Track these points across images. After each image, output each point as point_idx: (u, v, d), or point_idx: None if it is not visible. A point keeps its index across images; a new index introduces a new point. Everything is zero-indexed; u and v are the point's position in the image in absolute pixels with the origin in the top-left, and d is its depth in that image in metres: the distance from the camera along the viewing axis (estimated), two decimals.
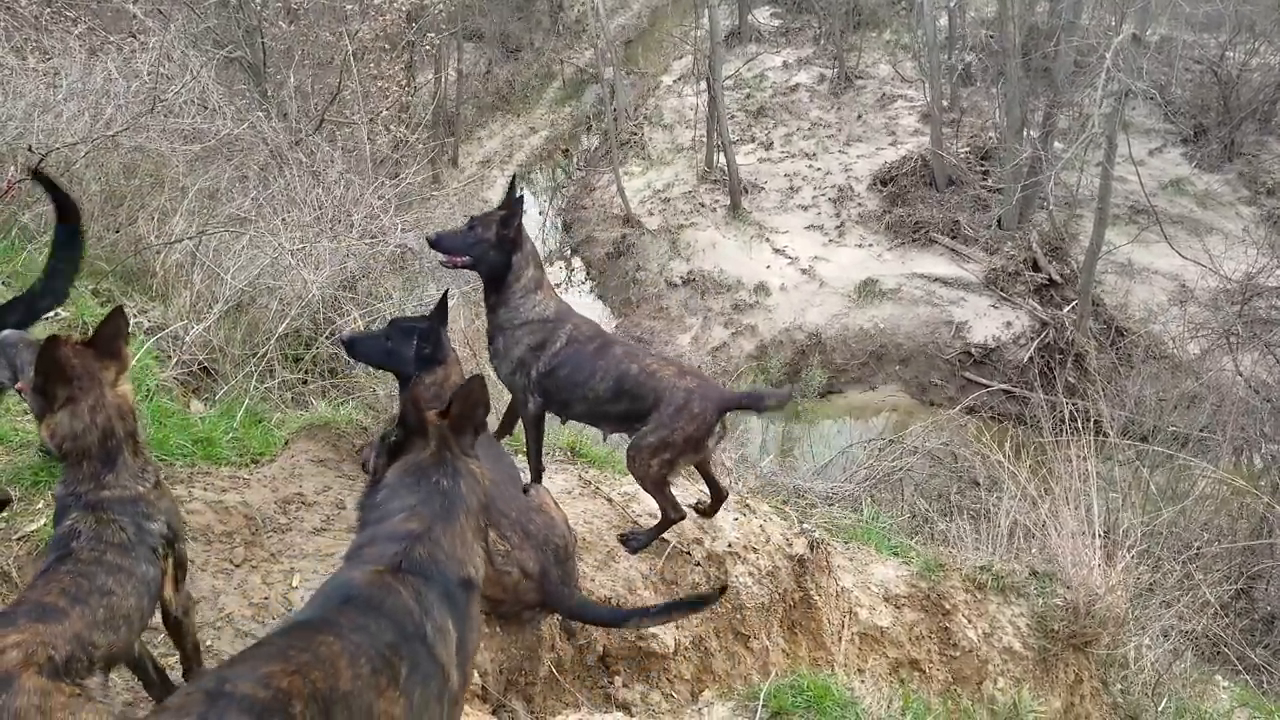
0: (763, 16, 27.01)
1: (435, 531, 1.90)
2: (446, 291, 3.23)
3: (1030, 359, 14.48)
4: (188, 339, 4.11)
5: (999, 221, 16.84)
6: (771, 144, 20.82)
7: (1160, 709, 4.68)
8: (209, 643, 2.62)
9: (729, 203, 18.38)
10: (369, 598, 1.75)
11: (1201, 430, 10.93)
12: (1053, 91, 16.87)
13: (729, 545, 3.86)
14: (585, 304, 17.44)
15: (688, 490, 4.07)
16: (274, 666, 1.55)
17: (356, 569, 1.83)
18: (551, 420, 3.69)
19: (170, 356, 3.99)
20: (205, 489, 3.10)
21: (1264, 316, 14.32)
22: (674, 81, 24.33)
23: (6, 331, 2.38)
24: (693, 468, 3.58)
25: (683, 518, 3.53)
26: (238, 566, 2.91)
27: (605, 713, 3.12)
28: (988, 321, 15.30)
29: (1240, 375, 11.82)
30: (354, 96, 8.93)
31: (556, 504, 3.17)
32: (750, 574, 3.84)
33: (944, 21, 21.50)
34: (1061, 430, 7.96)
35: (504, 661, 3.01)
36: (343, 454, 3.53)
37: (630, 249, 17.88)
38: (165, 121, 5.84)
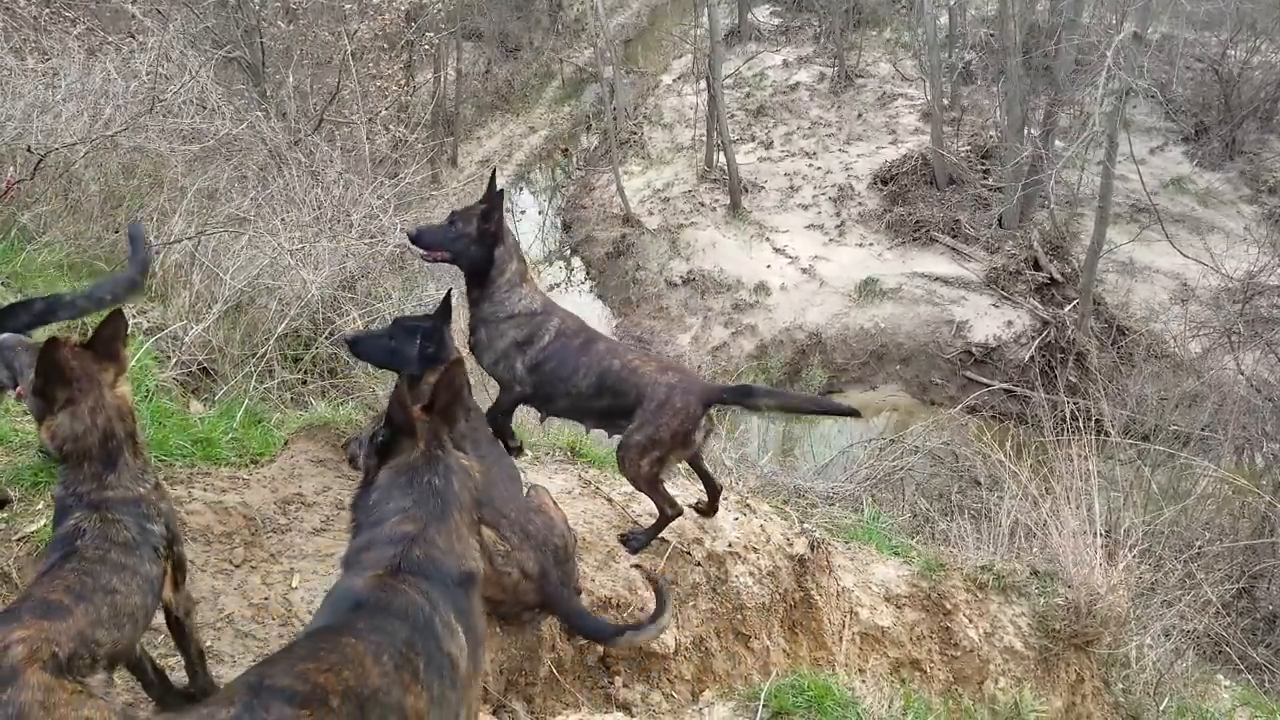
0: (762, 15, 27.00)
1: (430, 531, 1.91)
2: (450, 291, 3.22)
3: (1031, 358, 14.47)
4: (187, 339, 4.10)
5: (1000, 220, 16.83)
6: (771, 143, 20.81)
7: (1162, 708, 4.67)
8: (209, 643, 2.62)
9: (729, 202, 18.37)
10: (377, 601, 1.78)
11: (1203, 429, 10.92)
12: (1054, 90, 16.86)
13: (729, 545, 3.85)
14: (585, 304, 17.44)
15: (687, 490, 4.07)
16: (309, 664, 1.60)
17: (357, 576, 1.86)
18: (550, 420, 3.68)
19: (169, 357, 3.99)
20: (205, 489, 3.09)
21: (1265, 315, 14.31)
22: (674, 80, 24.32)
23: (4, 335, 2.38)
24: (686, 464, 3.57)
25: (680, 514, 3.51)
26: (237, 567, 2.90)
27: (605, 713, 3.11)
28: (989, 320, 15.29)
29: (1242, 374, 11.81)
30: (353, 96, 8.92)
31: (556, 504, 3.16)
32: (751, 574, 3.84)
33: (944, 20, 21.49)
34: (1062, 429, 7.93)
35: (504, 662, 3.00)
36: (342, 454, 3.52)
37: (630, 248, 17.87)
38: (164, 122, 5.84)
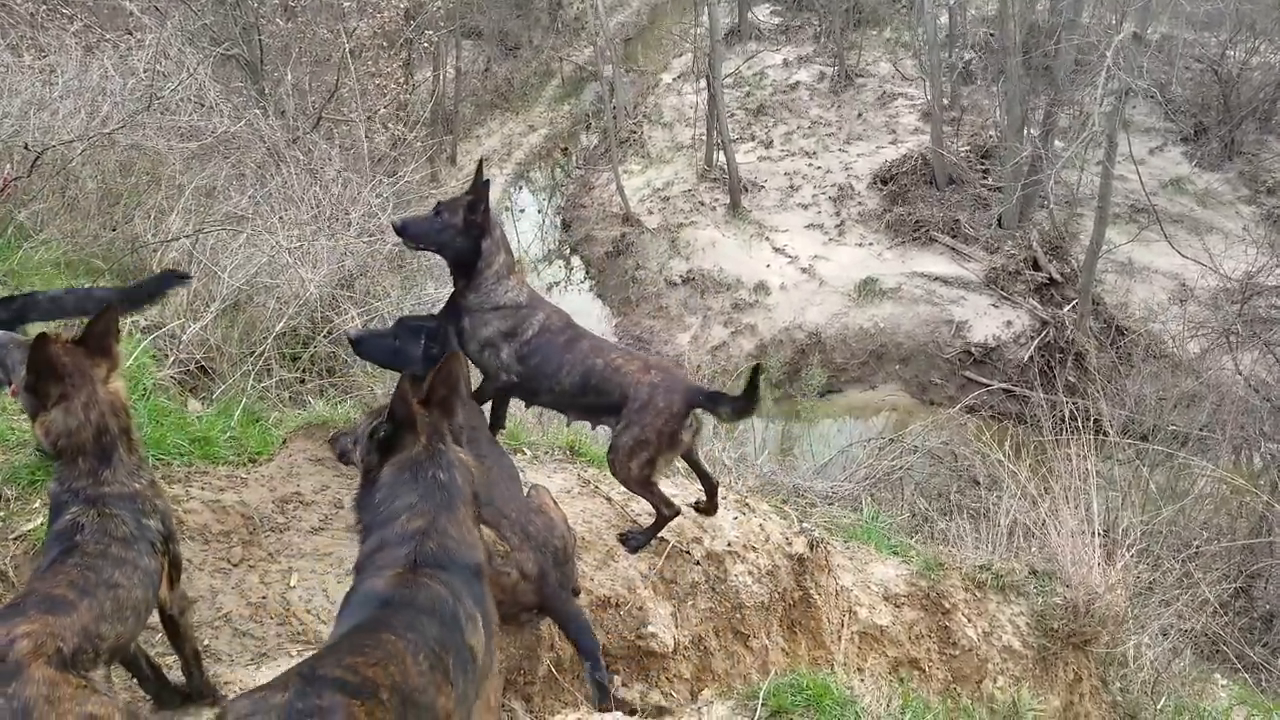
0: (763, 14, 26.99)
1: (441, 523, 1.93)
2: (455, 293, 3.20)
3: (1030, 358, 14.47)
4: (185, 338, 4.09)
5: (999, 220, 16.83)
6: (771, 142, 20.81)
7: (1159, 707, 4.68)
8: (207, 642, 2.62)
9: (729, 201, 18.36)
10: (403, 598, 1.80)
11: (1201, 429, 10.94)
12: (1053, 90, 16.85)
13: (728, 544, 3.84)
14: (584, 303, 17.43)
15: (687, 490, 4.06)
16: (357, 658, 1.63)
17: (377, 577, 1.86)
18: (550, 419, 3.67)
19: (167, 355, 3.98)
20: (203, 488, 3.09)
21: (1264, 315, 14.32)
22: (673, 79, 24.31)
23: None
24: (680, 462, 3.56)
25: (677, 513, 3.50)
26: (235, 566, 2.90)
27: (604, 712, 3.11)
28: (988, 320, 15.30)
29: (1240, 374, 11.83)
30: (352, 94, 8.90)
31: (556, 504, 3.16)
32: (750, 573, 3.83)
33: (944, 19, 21.49)
34: (1061, 429, 7.95)
35: (502, 661, 3.00)
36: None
37: (629, 248, 17.86)
38: (162, 119, 5.83)
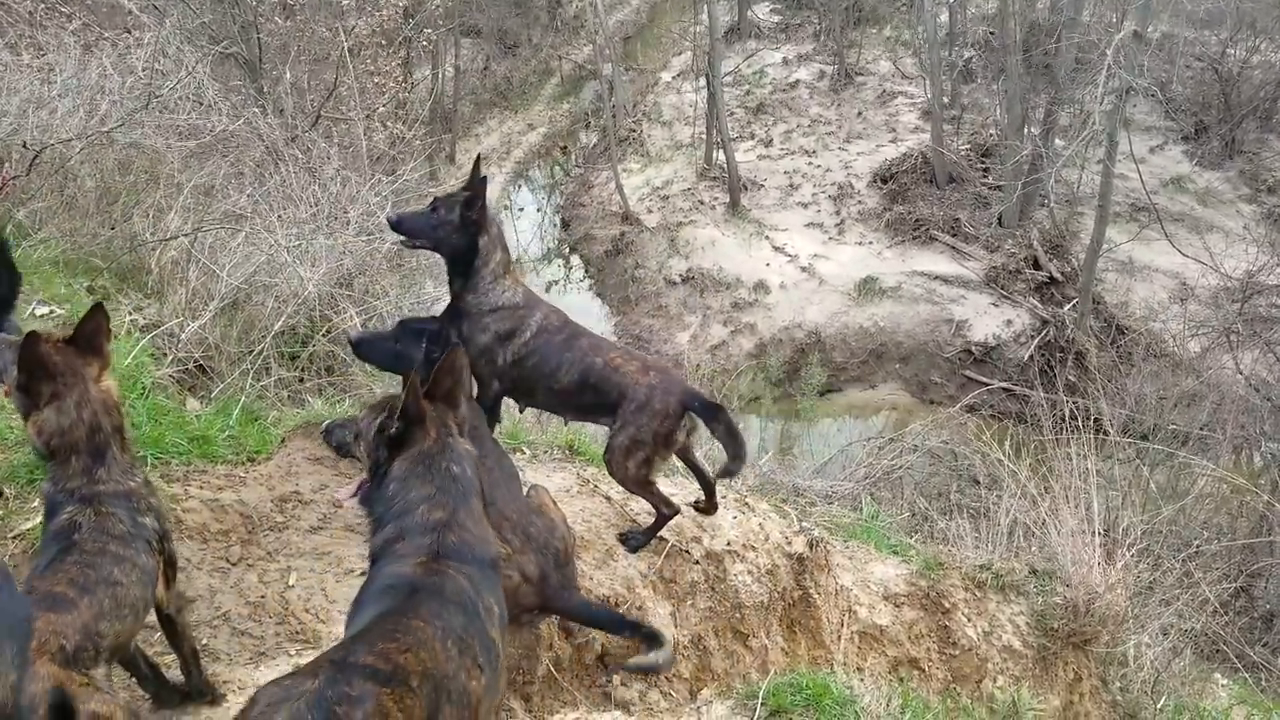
0: (762, 12, 26.97)
1: (460, 516, 1.96)
2: (455, 295, 3.19)
3: (1030, 357, 14.47)
4: (183, 336, 4.09)
5: (999, 219, 16.82)
6: (771, 141, 20.79)
7: (1159, 707, 4.67)
8: (205, 640, 2.61)
9: (728, 200, 18.35)
10: (431, 585, 1.82)
11: (1201, 428, 10.93)
12: (1054, 88, 16.84)
13: (728, 543, 3.84)
14: (584, 302, 17.42)
15: (686, 490, 4.06)
16: (388, 644, 1.64)
17: (401, 563, 1.88)
18: (549, 419, 3.67)
19: (166, 354, 3.97)
20: (201, 487, 3.08)
21: (1264, 314, 14.32)
22: (673, 78, 24.29)
23: None
24: (676, 460, 3.55)
25: (676, 512, 3.49)
26: (234, 565, 2.89)
27: (603, 711, 3.11)
28: (988, 319, 15.29)
29: (1240, 373, 11.82)
30: (350, 92, 8.90)
31: (555, 503, 3.15)
32: (749, 572, 3.83)
33: (944, 18, 21.47)
34: (1061, 428, 7.95)
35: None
36: (340, 452, 3.50)
37: (629, 246, 17.85)
38: (160, 117, 5.82)
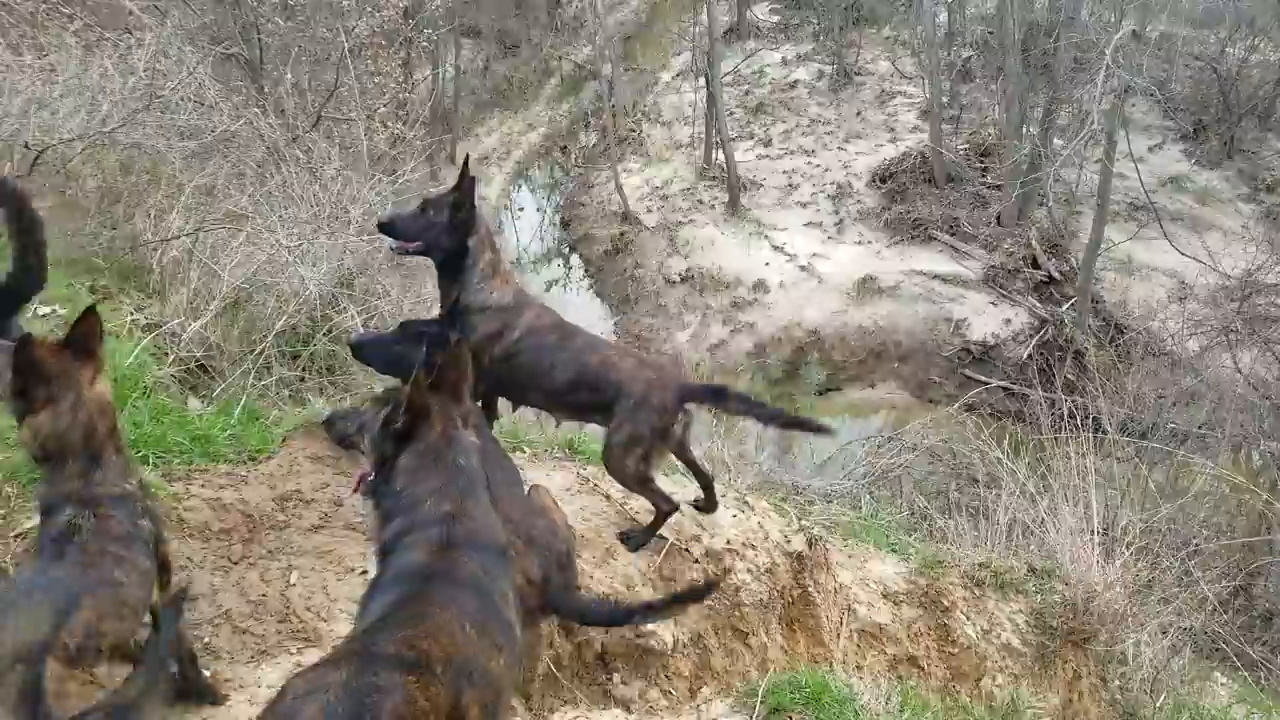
0: (761, 12, 26.97)
1: (468, 506, 1.98)
2: (458, 297, 3.20)
3: (1029, 356, 14.47)
4: (185, 336, 4.10)
5: (998, 218, 16.82)
6: (770, 141, 20.80)
7: (1158, 705, 4.68)
8: (207, 639, 2.62)
9: (728, 200, 18.36)
10: (443, 572, 1.84)
11: (1200, 427, 10.95)
12: (1052, 88, 16.83)
13: (727, 542, 3.85)
14: (583, 301, 17.43)
15: (686, 489, 4.07)
16: (410, 631, 1.66)
17: (412, 553, 1.90)
18: (549, 418, 3.68)
19: (167, 353, 3.98)
20: (203, 486, 3.09)
21: (1263, 313, 14.33)
22: (672, 78, 24.29)
23: None
24: (673, 458, 3.56)
25: (675, 508, 3.51)
26: (235, 564, 2.90)
27: (604, 710, 3.12)
28: (987, 319, 15.29)
29: (1239, 372, 11.82)
30: (351, 93, 8.90)
31: (556, 503, 3.16)
32: (749, 571, 3.84)
33: (943, 18, 21.47)
34: (1060, 427, 7.96)
35: None
36: (340, 451, 3.52)
37: (628, 246, 17.86)
38: (162, 118, 5.82)
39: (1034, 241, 16.08)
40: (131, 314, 4.13)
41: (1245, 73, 19.48)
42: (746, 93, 22.70)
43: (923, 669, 4.31)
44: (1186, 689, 5.07)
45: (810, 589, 4.05)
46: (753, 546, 3.92)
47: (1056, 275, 15.72)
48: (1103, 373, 12.68)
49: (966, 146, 19.03)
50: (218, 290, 4.43)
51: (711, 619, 3.68)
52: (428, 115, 15.47)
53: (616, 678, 3.33)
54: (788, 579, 3.99)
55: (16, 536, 2.68)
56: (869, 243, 17.23)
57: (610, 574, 3.45)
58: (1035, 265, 15.88)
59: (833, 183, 18.96)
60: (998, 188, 17.29)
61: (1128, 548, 5.13)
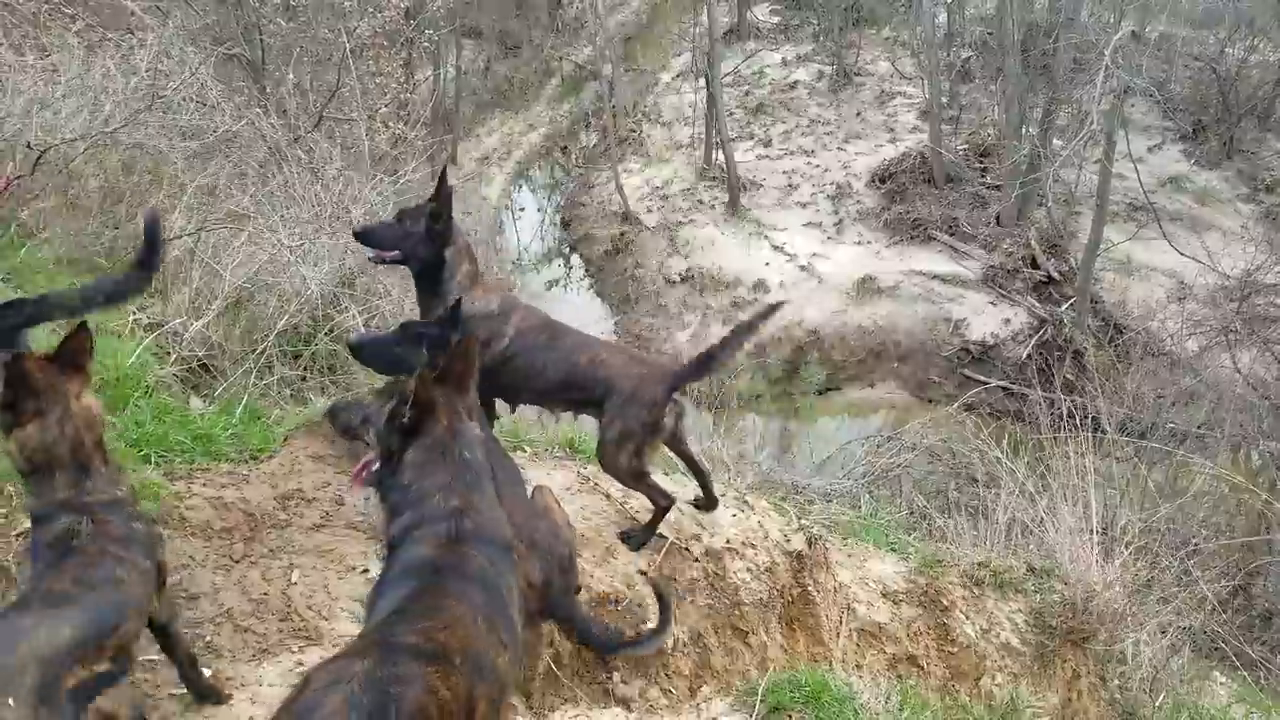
0: (762, 13, 26.98)
1: (474, 500, 2.00)
2: (460, 300, 3.21)
3: (1029, 356, 14.48)
4: (187, 335, 4.11)
5: (998, 218, 16.82)
6: (770, 141, 20.81)
7: (1158, 704, 4.69)
8: (209, 638, 2.63)
9: (728, 200, 18.37)
10: (454, 566, 1.86)
11: (1199, 427, 10.96)
12: (1052, 88, 16.84)
13: (727, 541, 3.86)
14: (584, 301, 17.44)
15: (686, 488, 4.08)
16: (428, 622, 1.68)
17: (419, 547, 1.91)
18: (550, 419, 3.69)
19: (169, 353, 3.99)
20: (205, 485, 3.10)
21: (1263, 314, 14.33)
22: (673, 78, 24.30)
23: None
24: (668, 451, 3.57)
25: (672, 503, 3.52)
26: (237, 562, 2.91)
27: (604, 709, 3.13)
28: (986, 318, 15.30)
29: (1239, 372, 11.83)
30: (352, 93, 8.91)
31: (559, 504, 3.17)
32: (748, 570, 3.85)
33: (942, 18, 21.49)
34: (1060, 427, 7.97)
35: None
36: (342, 450, 3.53)
37: (629, 246, 17.87)
38: (164, 118, 5.83)
39: (1033, 241, 16.09)
40: (133, 313, 4.14)
41: (1245, 73, 19.48)
42: (746, 93, 22.71)
43: (922, 668, 4.32)
44: (1186, 688, 5.08)
45: (810, 588, 4.06)
46: (752, 545, 3.93)
47: (1056, 275, 15.73)
48: (1102, 373, 12.68)
49: (966, 147, 19.04)
50: (220, 290, 4.45)
51: (711, 618, 3.69)
52: (429, 115, 15.49)
53: (616, 676, 3.34)
54: (787, 578, 4.00)
55: (18, 536, 2.69)
56: (868, 243, 17.24)
57: (610, 573, 3.46)
58: (1034, 265, 15.89)
59: (832, 183, 18.97)
60: (997, 188, 17.30)
61: (1127, 547, 5.14)
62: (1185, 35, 20.58)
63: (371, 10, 10.13)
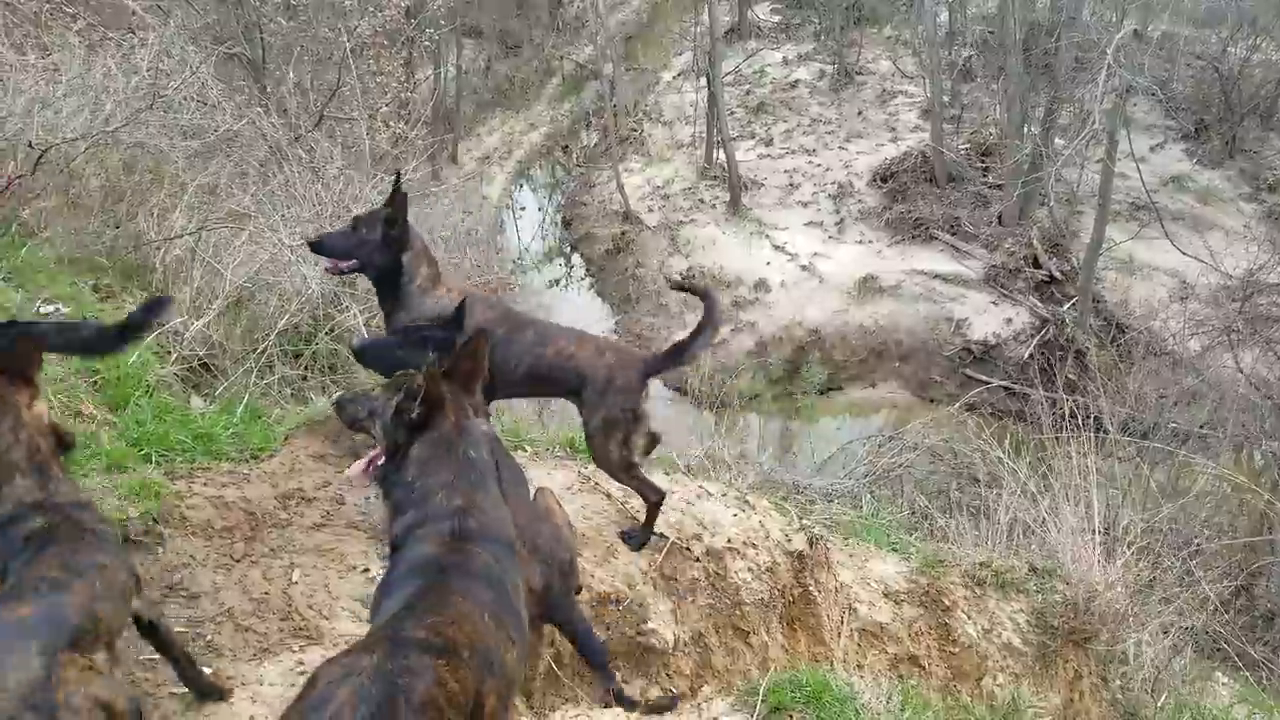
0: (763, 12, 26.98)
1: (478, 499, 1.99)
2: (464, 301, 3.20)
3: (1030, 355, 14.47)
4: (188, 334, 4.11)
5: (999, 218, 16.81)
6: (771, 140, 20.80)
7: (1159, 705, 4.68)
8: (209, 637, 2.63)
9: (729, 199, 18.36)
10: (457, 563, 1.86)
11: (1202, 427, 10.95)
12: (1054, 87, 16.83)
13: (728, 541, 3.86)
14: (585, 300, 17.45)
15: (687, 489, 4.08)
16: (436, 617, 1.69)
17: (424, 545, 1.92)
18: (551, 416, 3.68)
19: (170, 352, 3.99)
20: (205, 484, 3.10)
21: (1265, 313, 14.32)
22: (674, 78, 24.29)
23: None
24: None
25: (663, 497, 3.50)
26: (238, 562, 2.91)
27: (604, 708, 3.12)
28: (988, 318, 15.29)
29: (1241, 372, 11.81)
30: (353, 92, 8.91)
31: (560, 505, 3.16)
32: (750, 570, 3.85)
33: (944, 17, 21.46)
34: (1061, 427, 7.95)
35: None
36: (343, 450, 3.53)
37: (630, 245, 17.87)
38: (165, 117, 5.83)
39: (1035, 241, 16.08)
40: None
41: (1247, 72, 19.45)
42: (747, 92, 22.70)
43: (924, 668, 4.31)
44: (1188, 689, 5.07)
45: (811, 588, 4.05)
46: (754, 545, 3.92)
47: (1058, 275, 15.72)
48: (1104, 372, 12.68)
49: (968, 146, 19.03)
50: (220, 289, 4.44)
51: (712, 618, 3.69)
52: (430, 115, 15.50)
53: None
54: (789, 578, 3.99)
55: None
56: (870, 242, 17.24)
57: (611, 572, 3.46)
58: (1036, 265, 15.88)
59: (834, 182, 18.96)
60: (999, 187, 17.29)
61: (1129, 547, 5.13)
62: (1187, 34, 20.54)
63: (372, 9, 10.14)
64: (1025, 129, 17.07)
